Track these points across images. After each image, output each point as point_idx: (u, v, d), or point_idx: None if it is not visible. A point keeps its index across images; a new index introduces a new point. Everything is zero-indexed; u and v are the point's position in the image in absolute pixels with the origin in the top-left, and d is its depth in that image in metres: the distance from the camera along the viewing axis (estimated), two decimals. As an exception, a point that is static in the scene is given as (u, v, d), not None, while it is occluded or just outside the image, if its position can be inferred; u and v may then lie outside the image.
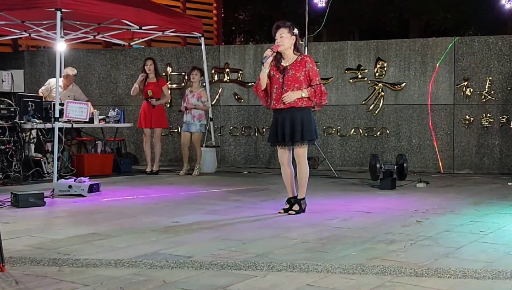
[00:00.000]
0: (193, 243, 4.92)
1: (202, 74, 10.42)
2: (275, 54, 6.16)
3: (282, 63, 6.24)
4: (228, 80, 11.65)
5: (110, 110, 10.55)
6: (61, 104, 9.23)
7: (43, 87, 10.77)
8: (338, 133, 11.04)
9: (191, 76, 10.27)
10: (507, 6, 11.06)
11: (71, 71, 10.73)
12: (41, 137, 9.52)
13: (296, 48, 6.25)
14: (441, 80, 10.55)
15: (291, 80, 6.15)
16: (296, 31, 6.24)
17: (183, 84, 11.72)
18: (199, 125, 10.09)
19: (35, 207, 6.65)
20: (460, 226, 5.61)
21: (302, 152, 6.26)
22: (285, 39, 6.15)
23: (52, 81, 10.62)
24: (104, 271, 4.03)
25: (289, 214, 6.24)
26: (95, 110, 10.30)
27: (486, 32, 15.56)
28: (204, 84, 11.13)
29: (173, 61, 11.98)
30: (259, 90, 6.34)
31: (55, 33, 9.24)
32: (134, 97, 11.91)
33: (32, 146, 9.46)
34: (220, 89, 11.66)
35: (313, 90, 6.15)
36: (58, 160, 8.82)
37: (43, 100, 9.92)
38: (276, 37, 6.18)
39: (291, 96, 6.13)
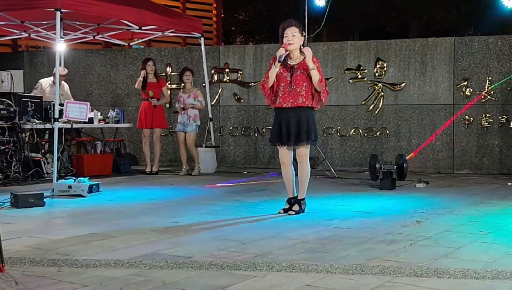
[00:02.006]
0: (193, 243, 4.92)
1: (193, 74, 10.41)
2: (288, 52, 6.19)
3: (289, 62, 6.26)
4: (228, 80, 11.65)
5: (110, 111, 10.55)
6: (61, 105, 9.22)
7: (35, 90, 10.63)
8: (338, 133, 11.04)
9: (184, 77, 10.25)
10: (507, 6, 11.03)
11: (62, 71, 10.68)
12: (36, 137, 9.49)
13: (301, 51, 6.29)
14: (441, 80, 10.55)
15: (299, 79, 6.17)
16: (304, 33, 6.32)
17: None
18: (194, 125, 10.11)
19: (34, 207, 6.65)
20: (460, 226, 5.61)
21: (305, 152, 6.27)
22: (296, 38, 6.18)
23: (43, 81, 10.64)
24: (103, 272, 4.03)
25: (289, 214, 6.23)
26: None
27: (486, 32, 15.56)
28: (204, 84, 11.14)
29: (173, 61, 11.98)
30: (266, 87, 6.32)
31: (55, 34, 9.24)
32: (133, 97, 11.92)
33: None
34: (220, 89, 11.66)
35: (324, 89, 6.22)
36: (57, 161, 8.82)
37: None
38: (286, 34, 6.17)
39: (315, 75, 6.11)
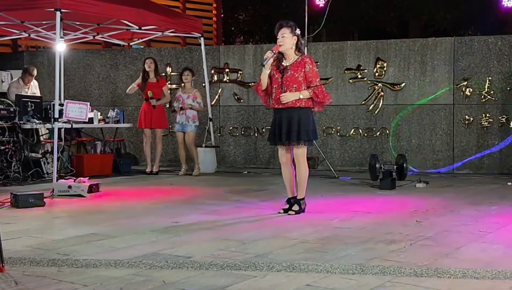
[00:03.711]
0: (193, 243, 4.91)
1: (193, 74, 10.39)
2: (275, 55, 6.17)
3: (283, 63, 6.24)
4: (227, 80, 11.65)
5: (110, 111, 10.55)
6: (61, 105, 9.23)
7: (13, 89, 10.56)
8: (338, 133, 11.04)
9: (183, 77, 10.25)
10: (507, 6, 11.03)
11: (32, 71, 10.68)
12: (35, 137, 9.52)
13: (298, 48, 6.25)
14: (441, 80, 10.55)
15: (289, 80, 6.15)
16: (298, 31, 6.24)
17: (182, 84, 11.70)
18: (193, 126, 10.11)
19: (35, 207, 6.65)
20: (460, 226, 5.61)
21: (300, 152, 6.26)
22: (286, 39, 6.15)
23: (13, 82, 10.65)
24: (103, 272, 4.03)
25: (289, 214, 6.23)
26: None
27: (485, 32, 15.56)
28: (204, 84, 11.15)
29: (173, 61, 11.98)
30: (259, 90, 6.35)
31: (55, 34, 9.24)
32: (133, 97, 11.92)
33: None
34: (220, 89, 11.66)
35: (313, 92, 6.15)
36: (57, 161, 8.81)
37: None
38: (278, 37, 6.18)
39: (289, 97, 6.13)
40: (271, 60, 6.15)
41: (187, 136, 10.10)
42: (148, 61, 10.26)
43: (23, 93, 10.17)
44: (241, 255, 4.47)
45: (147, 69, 10.20)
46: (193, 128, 10.11)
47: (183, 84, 10.36)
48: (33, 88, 10.71)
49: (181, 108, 10.07)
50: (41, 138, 9.88)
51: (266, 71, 6.20)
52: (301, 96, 6.14)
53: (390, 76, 10.80)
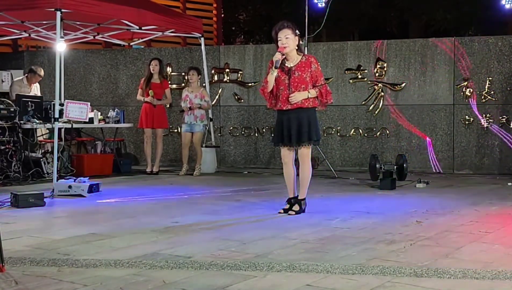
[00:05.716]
0: (193, 243, 4.92)
1: (199, 73, 10.38)
2: (284, 56, 6.18)
3: (286, 64, 6.24)
4: (228, 80, 11.65)
5: (110, 110, 10.55)
6: (61, 105, 9.23)
7: (16, 88, 10.57)
8: (338, 134, 11.04)
9: (188, 77, 10.27)
10: (507, 6, 11.02)
11: (40, 71, 10.70)
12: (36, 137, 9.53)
13: (299, 49, 6.27)
14: (441, 80, 10.55)
15: (297, 81, 6.16)
16: (298, 31, 6.26)
17: (182, 84, 11.71)
18: (202, 125, 10.12)
19: (35, 207, 6.65)
20: (460, 226, 5.61)
21: (307, 152, 6.28)
22: (290, 40, 6.15)
23: (16, 81, 10.67)
24: (103, 272, 4.03)
25: (289, 214, 6.24)
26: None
27: (486, 32, 15.55)
28: (204, 84, 11.14)
29: (173, 61, 11.98)
30: (266, 92, 6.33)
31: (55, 33, 9.24)
32: (133, 97, 11.91)
33: None
34: (220, 89, 11.66)
35: (319, 90, 6.18)
36: (57, 161, 8.82)
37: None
38: (279, 38, 6.16)
39: (298, 97, 6.14)
40: (280, 61, 6.16)
41: (194, 136, 10.11)
42: (154, 62, 10.25)
43: (25, 93, 10.18)
44: (241, 255, 4.47)
45: (151, 70, 10.19)
46: (201, 127, 10.13)
47: (189, 84, 10.35)
48: (35, 90, 10.72)
49: (190, 108, 10.06)
50: (39, 139, 9.87)
51: (274, 74, 6.20)
52: (309, 95, 6.17)
53: (390, 76, 10.80)
